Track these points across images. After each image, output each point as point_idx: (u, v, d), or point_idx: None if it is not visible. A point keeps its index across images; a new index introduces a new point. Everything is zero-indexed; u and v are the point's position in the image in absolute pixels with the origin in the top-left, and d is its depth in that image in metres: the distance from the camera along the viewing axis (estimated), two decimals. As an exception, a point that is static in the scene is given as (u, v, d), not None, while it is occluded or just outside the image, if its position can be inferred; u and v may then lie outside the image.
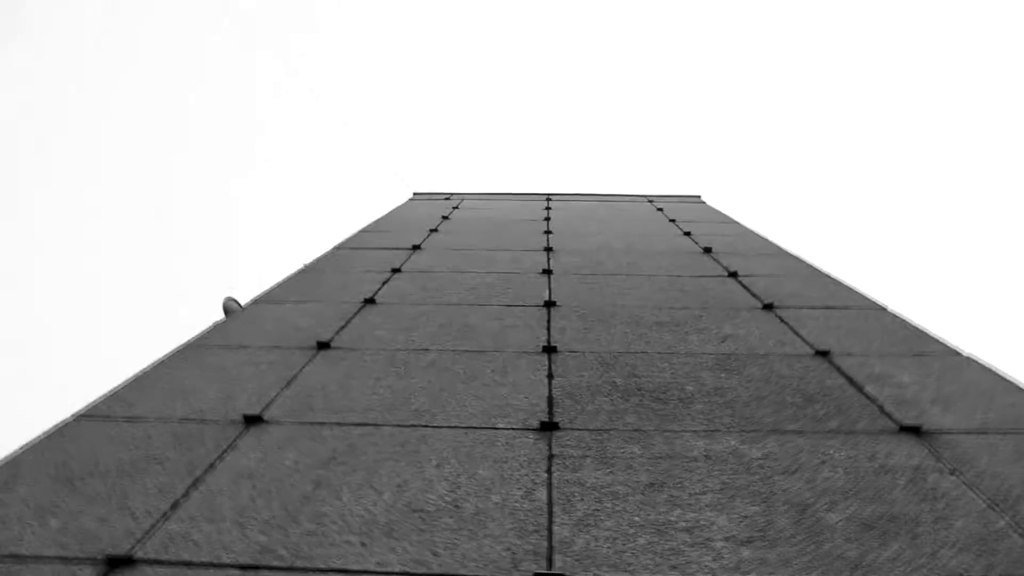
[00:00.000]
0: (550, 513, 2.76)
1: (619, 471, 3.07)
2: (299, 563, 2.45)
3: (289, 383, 3.98)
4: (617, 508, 2.80)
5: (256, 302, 5.58)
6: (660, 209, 10.34)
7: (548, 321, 5.04)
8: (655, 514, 2.76)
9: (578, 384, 3.96)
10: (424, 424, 3.49)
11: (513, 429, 3.44)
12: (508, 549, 2.54)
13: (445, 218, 9.47)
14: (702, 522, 2.71)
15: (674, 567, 2.47)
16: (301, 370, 4.16)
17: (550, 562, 2.47)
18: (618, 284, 6.02)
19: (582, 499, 2.86)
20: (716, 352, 4.43)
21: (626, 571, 2.44)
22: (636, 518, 2.74)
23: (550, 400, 3.75)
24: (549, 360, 4.31)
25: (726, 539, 2.61)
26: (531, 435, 3.38)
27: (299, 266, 6.74)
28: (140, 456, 3.17)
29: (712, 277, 6.25)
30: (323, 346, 4.54)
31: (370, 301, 5.51)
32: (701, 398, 3.78)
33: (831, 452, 3.23)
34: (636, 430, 3.43)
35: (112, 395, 3.82)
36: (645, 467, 3.10)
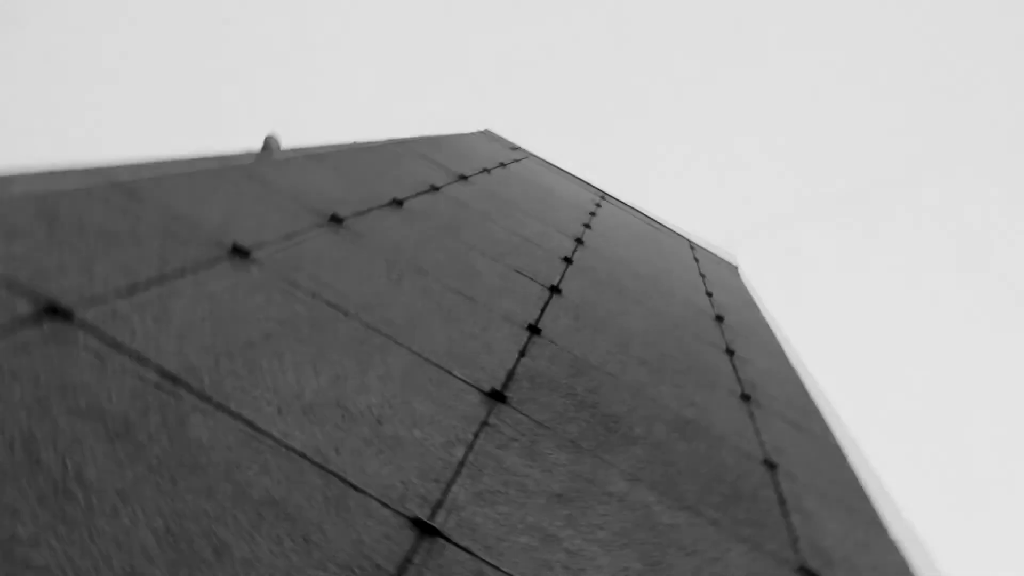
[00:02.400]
0: (456, 472, 2.78)
1: (538, 469, 3.08)
2: (214, 396, 2.46)
3: (289, 238, 3.98)
4: (518, 500, 2.81)
5: (293, 155, 5.57)
6: (696, 259, 10.29)
7: (545, 304, 5.04)
8: (549, 524, 2.77)
9: (543, 374, 3.96)
10: (388, 335, 3.49)
11: (464, 382, 3.45)
12: (403, 483, 2.56)
13: (503, 164, 9.43)
14: (586, 553, 2.72)
15: (540, 578, 2.48)
16: (305, 232, 4.17)
17: (433, 514, 2.49)
18: (624, 304, 6.00)
19: (491, 476, 2.87)
20: (678, 412, 4.43)
21: (493, 555, 2.46)
22: (530, 518, 2.75)
23: (510, 374, 3.75)
24: (528, 339, 4.31)
25: (599, 578, 2.63)
26: (477, 396, 3.39)
27: (351, 141, 6.72)
28: (124, 232, 3.18)
29: (710, 344, 6.23)
30: (335, 222, 4.54)
31: (398, 203, 5.50)
32: (644, 445, 3.78)
33: (731, 555, 3.24)
34: (572, 441, 3.44)
35: (124, 167, 3.83)
36: (563, 478, 3.11)
